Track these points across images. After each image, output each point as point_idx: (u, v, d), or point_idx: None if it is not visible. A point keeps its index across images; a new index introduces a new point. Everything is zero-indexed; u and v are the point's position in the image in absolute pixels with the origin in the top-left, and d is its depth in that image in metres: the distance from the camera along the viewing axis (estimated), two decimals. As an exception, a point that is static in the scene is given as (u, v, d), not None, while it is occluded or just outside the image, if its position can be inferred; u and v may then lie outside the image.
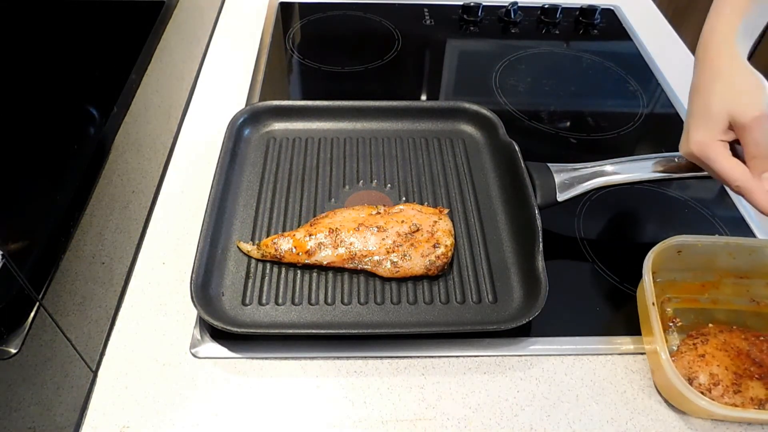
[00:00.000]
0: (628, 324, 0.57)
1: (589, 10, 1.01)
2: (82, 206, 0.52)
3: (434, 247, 0.58)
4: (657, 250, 0.54)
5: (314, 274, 0.59)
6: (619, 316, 0.59)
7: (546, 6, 1.02)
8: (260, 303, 0.57)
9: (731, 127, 0.51)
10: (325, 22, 1.01)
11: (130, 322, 0.57)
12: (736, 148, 0.52)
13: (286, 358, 0.55)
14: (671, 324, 0.57)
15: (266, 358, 0.55)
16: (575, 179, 0.63)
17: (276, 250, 0.59)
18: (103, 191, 0.56)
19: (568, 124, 0.83)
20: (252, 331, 0.54)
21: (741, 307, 0.58)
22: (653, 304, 0.51)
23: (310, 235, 0.59)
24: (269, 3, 1.04)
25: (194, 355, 0.55)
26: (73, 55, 0.69)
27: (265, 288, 0.58)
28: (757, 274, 0.58)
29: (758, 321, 0.57)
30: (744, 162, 0.51)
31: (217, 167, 0.65)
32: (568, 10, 1.03)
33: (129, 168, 0.62)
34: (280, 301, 0.57)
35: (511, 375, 0.54)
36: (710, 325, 0.56)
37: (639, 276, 0.55)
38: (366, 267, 0.58)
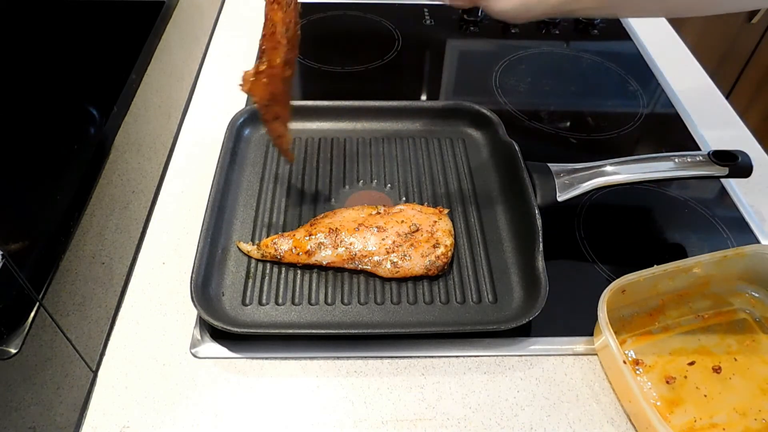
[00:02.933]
0: (628, 324, 0.57)
1: (589, 10, 1.01)
2: (82, 206, 0.52)
3: (434, 247, 0.58)
4: (605, 299, 0.53)
5: (314, 275, 0.59)
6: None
7: (546, 6, 1.01)
8: (260, 303, 0.57)
9: None
10: (325, 22, 1.01)
11: (130, 322, 0.57)
12: None
13: (286, 358, 0.55)
14: (637, 372, 0.54)
15: (266, 358, 0.55)
16: (575, 179, 0.63)
17: (276, 251, 0.59)
18: (103, 191, 0.56)
19: (568, 124, 0.83)
20: (252, 331, 0.54)
21: (690, 327, 0.57)
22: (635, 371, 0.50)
23: (310, 235, 0.59)
24: (269, 3, 1.04)
25: (194, 355, 0.55)
26: (73, 55, 0.69)
27: (265, 288, 0.58)
28: (694, 288, 0.59)
29: (711, 337, 0.57)
30: None
31: (217, 167, 0.65)
32: (568, 10, 1.03)
33: (129, 168, 0.62)
34: (280, 301, 0.57)
35: (511, 375, 0.54)
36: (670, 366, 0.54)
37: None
38: (366, 267, 0.58)
